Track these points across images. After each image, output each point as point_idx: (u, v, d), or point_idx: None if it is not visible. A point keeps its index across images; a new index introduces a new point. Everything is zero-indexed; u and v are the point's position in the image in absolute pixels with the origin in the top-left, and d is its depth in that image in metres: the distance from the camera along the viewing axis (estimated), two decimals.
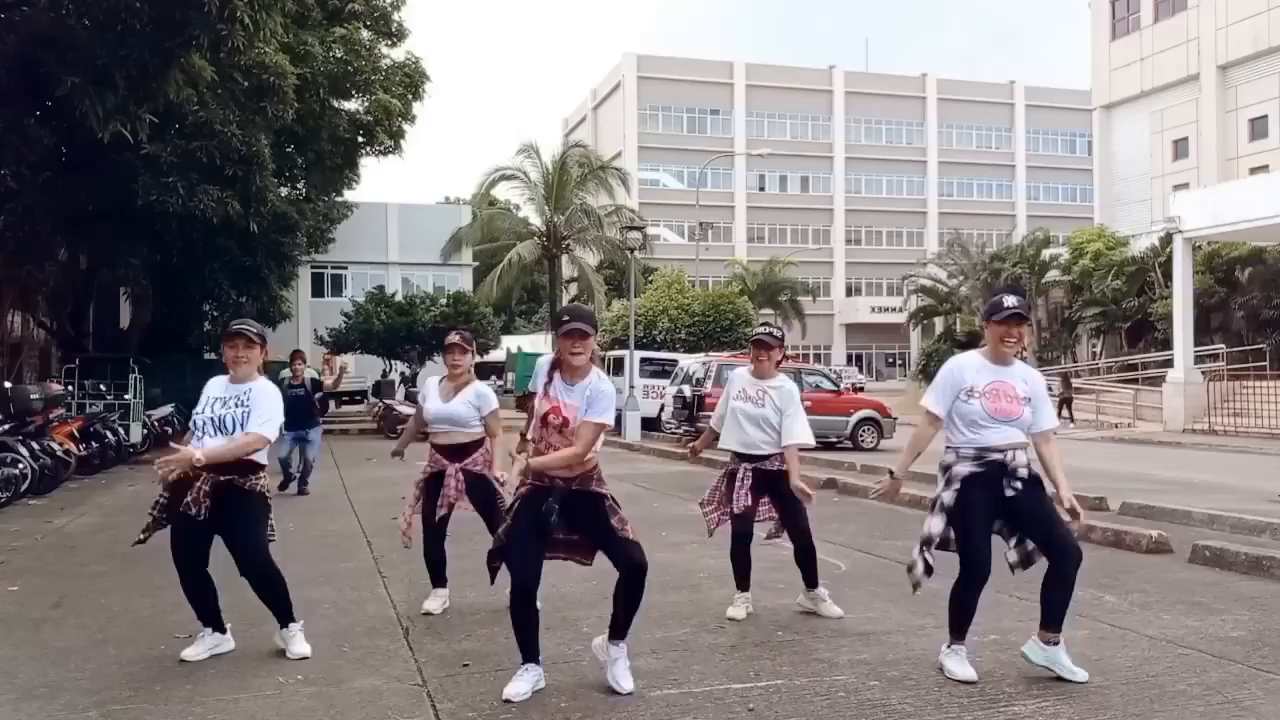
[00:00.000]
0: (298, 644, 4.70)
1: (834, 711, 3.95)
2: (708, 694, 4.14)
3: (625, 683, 4.16)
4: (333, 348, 28.92)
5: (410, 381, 27.88)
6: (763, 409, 5.38)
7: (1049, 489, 4.37)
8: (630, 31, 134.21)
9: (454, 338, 5.74)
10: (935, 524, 4.42)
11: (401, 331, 27.06)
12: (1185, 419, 23.19)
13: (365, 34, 21.55)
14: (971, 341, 42.62)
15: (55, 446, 11.60)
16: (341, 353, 29.51)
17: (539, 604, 4.14)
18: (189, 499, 4.47)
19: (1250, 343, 28.63)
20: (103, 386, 16.72)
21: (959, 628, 4.42)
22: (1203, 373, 24.96)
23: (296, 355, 11.98)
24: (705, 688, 4.21)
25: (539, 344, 35.00)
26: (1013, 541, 4.46)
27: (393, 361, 29.10)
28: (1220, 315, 30.07)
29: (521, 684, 4.08)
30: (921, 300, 47.03)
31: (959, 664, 4.36)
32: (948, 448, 4.49)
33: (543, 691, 4.17)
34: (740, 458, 5.42)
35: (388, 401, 23.55)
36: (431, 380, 5.83)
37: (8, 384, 13.03)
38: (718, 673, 4.39)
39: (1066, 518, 4.34)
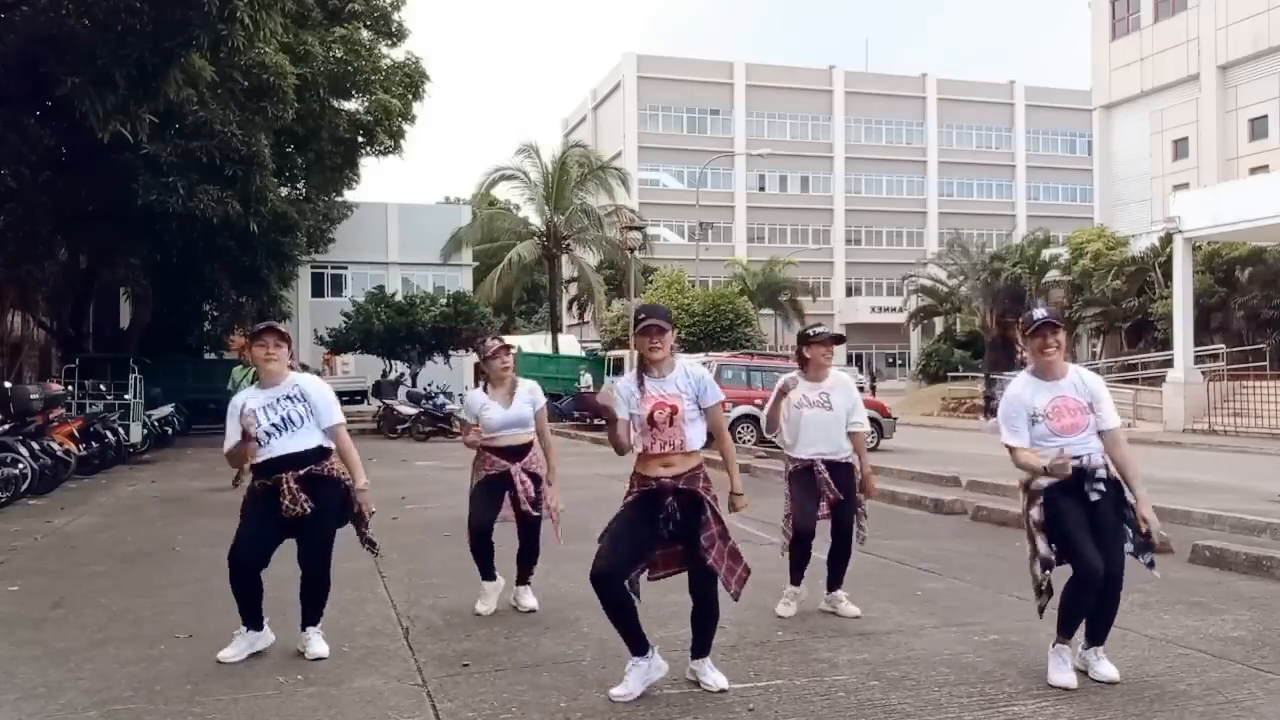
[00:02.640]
0: (317, 644, 4.71)
1: (834, 711, 3.95)
2: (708, 694, 4.14)
3: (719, 680, 4.18)
4: (332, 348, 28.95)
5: (411, 381, 27.87)
6: (832, 411, 5.41)
7: (1130, 499, 4.32)
8: (630, 31, 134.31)
9: (495, 343, 5.73)
10: (1042, 545, 4.33)
11: (401, 331, 27.04)
12: (1185, 419, 23.19)
13: (365, 34, 21.54)
14: (972, 341, 42.75)
15: (55, 446, 11.59)
16: (341, 352, 29.54)
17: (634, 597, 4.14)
18: (285, 502, 4.53)
19: (1250, 343, 28.64)
20: (103, 386, 16.73)
21: (1066, 628, 4.33)
22: (1203, 373, 24.96)
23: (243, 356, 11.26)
24: (705, 688, 4.20)
25: (539, 344, 34.97)
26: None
27: (393, 362, 29.09)
28: (1220, 315, 30.07)
29: (627, 684, 4.07)
30: (921, 300, 47.05)
31: (1057, 669, 4.29)
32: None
33: (543, 691, 4.17)
34: (807, 456, 5.43)
35: (388, 401, 23.54)
36: (474, 393, 5.82)
37: (8, 384, 13.03)
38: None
39: (1130, 547, 4.32)
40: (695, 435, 4.18)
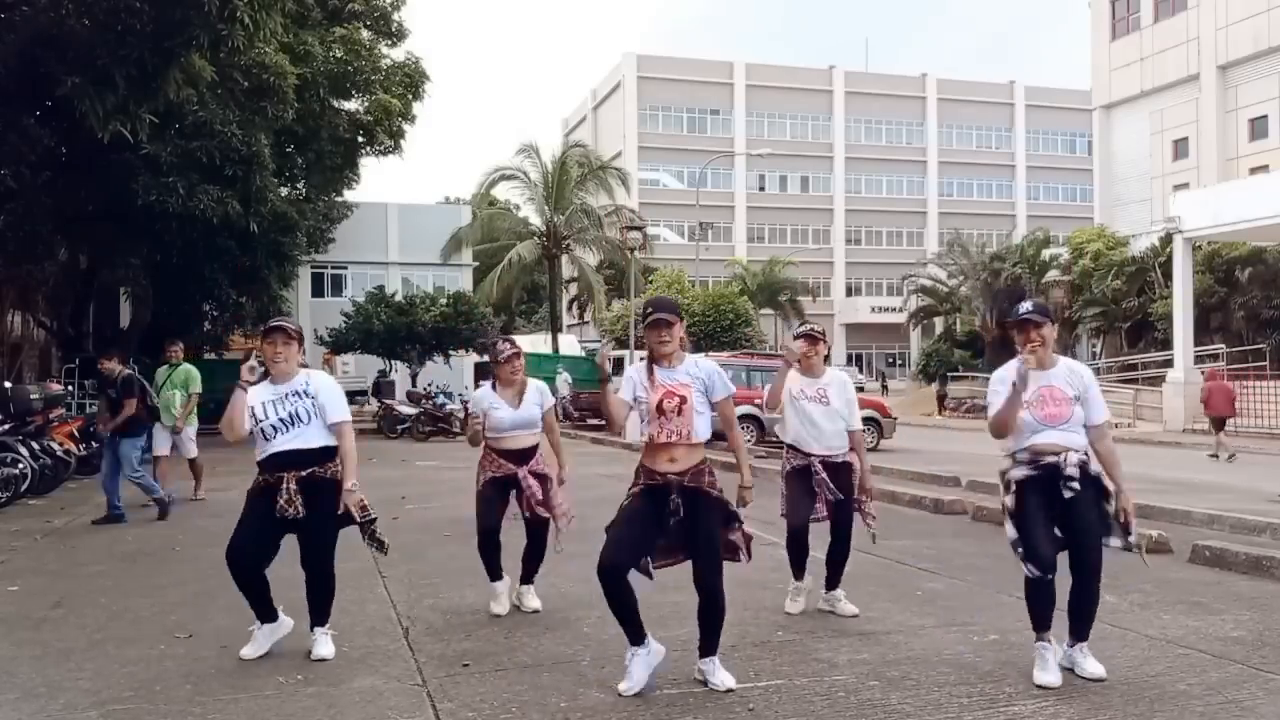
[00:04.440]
0: (323, 646, 4.70)
1: (834, 711, 3.95)
2: (708, 694, 4.14)
3: (726, 680, 4.19)
4: (332, 348, 28.94)
5: (412, 381, 27.87)
6: (829, 405, 5.43)
7: (1110, 489, 4.38)
8: (630, 31, 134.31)
9: (509, 348, 5.67)
10: (1010, 530, 4.42)
11: (401, 331, 27.05)
12: (1185, 419, 23.19)
13: (365, 34, 21.53)
14: (972, 341, 42.76)
15: (55, 446, 11.59)
16: (341, 352, 29.53)
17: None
18: (281, 502, 4.52)
19: (1250, 343, 28.66)
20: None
21: (1037, 623, 4.40)
22: (1203, 373, 24.96)
23: (104, 356, 10.08)
24: (705, 688, 4.20)
25: (539, 344, 34.98)
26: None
27: (393, 362, 29.10)
28: (1220, 315, 30.09)
29: (631, 677, 4.09)
30: (921, 300, 47.06)
31: (1041, 670, 4.31)
32: (1005, 454, 4.49)
33: (543, 691, 4.17)
34: (804, 454, 5.44)
35: (388, 401, 23.55)
36: (481, 392, 5.78)
37: (8, 384, 13.02)
38: None
39: (1117, 540, 4.36)
40: (702, 427, 4.20)
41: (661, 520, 4.13)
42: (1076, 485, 4.28)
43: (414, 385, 27.05)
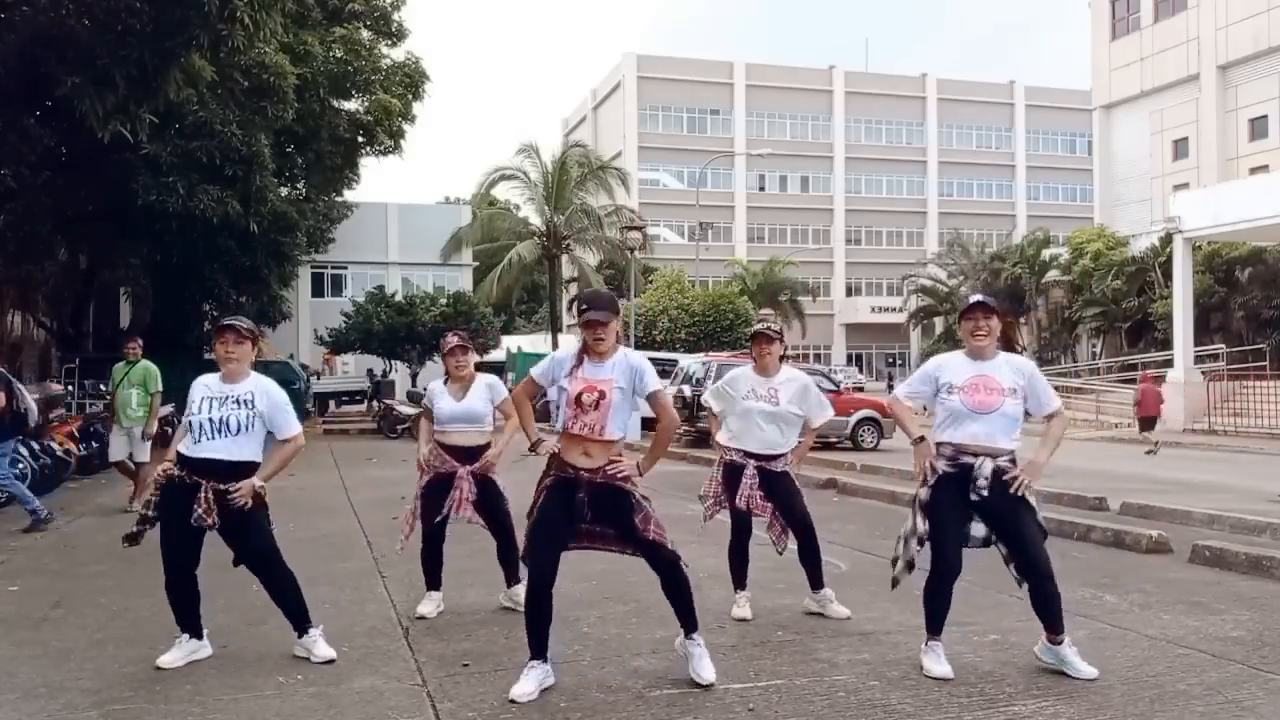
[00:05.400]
0: (320, 648, 4.64)
1: (834, 711, 3.95)
2: (708, 694, 4.14)
3: (706, 674, 4.19)
4: (332, 348, 28.96)
5: (411, 381, 27.87)
6: (778, 407, 5.37)
7: (1030, 494, 4.39)
8: (630, 31, 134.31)
9: (453, 340, 5.65)
10: (920, 523, 4.48)
11: (401, 331, 27.06)
12: (1185, 419, 23.18)
13: (365, 34, 21.56)
14: None
15: (55, 446, 11.58)
16: (341, 352, 29.56)
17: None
18: (199, 511, 4.40)
19: (1250, 343, 28.66)
20: (102, 386, 16.71)
21: (933, 624, 4.49)
22: (1203, 373, 24.97)
23: None
24: (705, 688, 4.20)
25: (539, 344, 34.96)
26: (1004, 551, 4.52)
27: (393, 362, 29.11)
28: (1220, 315, 30.09)
29: (528, 683, 4.06)
30: (921, 300, 47.08)
31: (934, 661, 4.41)
32: (935, 443, 4.52)
33: (543, 691, 4.16)
34: (747, 454, 5.38)
35: (388, 401, 23.55)
36: (435, 383, 5.74)
37: None
38: (718, 673, 4.37)
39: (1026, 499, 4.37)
40: (617, 424, 4.17)
41: (572, 512, 4.14)
42: (985, 490, 4.31)
43: (414, 385, 27.05)
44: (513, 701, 3.99)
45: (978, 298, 4.57)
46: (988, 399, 4.36)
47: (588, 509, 4.12)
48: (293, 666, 4.54)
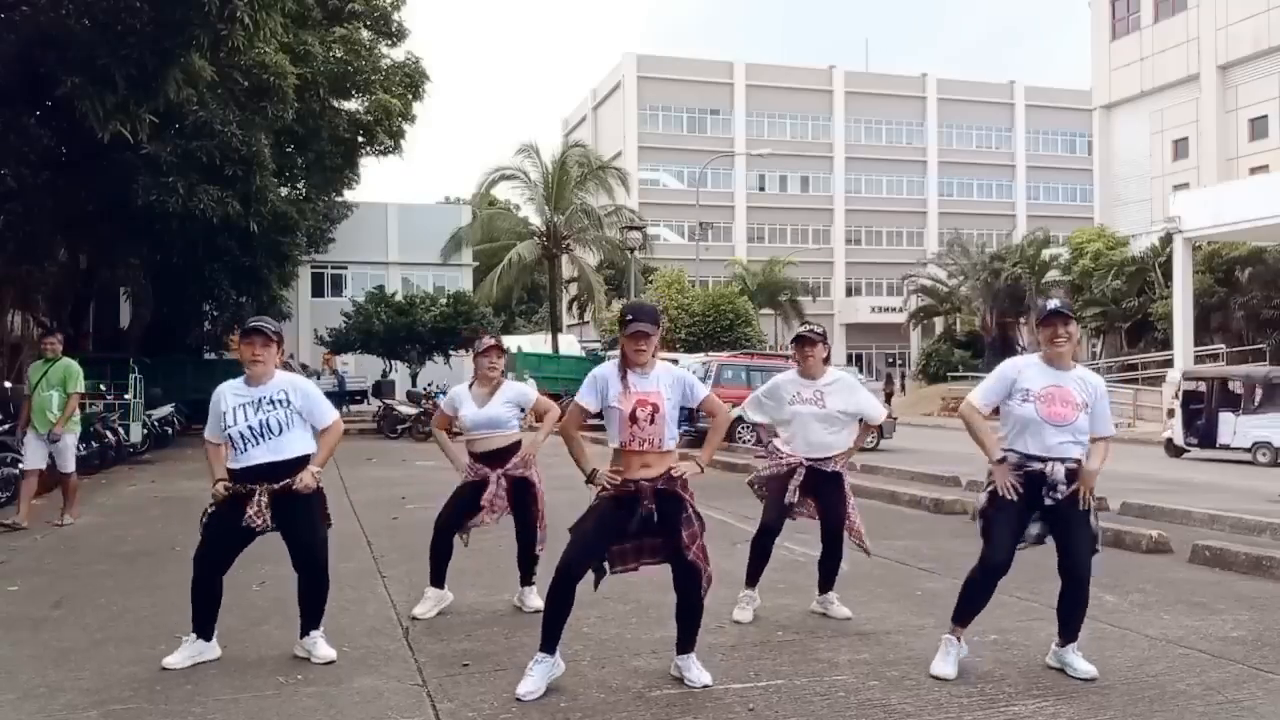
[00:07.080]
0: (321, 648, 4.65)
1: (834, 711, 3.95)
2: (708, 694, 4.14)
3: (703, 678, 4.20)
4: (332, 348, 28.95)
5: (412, 381, 27.85)
6: (826, 409, 5.36)
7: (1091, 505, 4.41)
8: (630, 31, 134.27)
9: (488, 340, 5.63)
10: (982, 498, 4.50)
11: (401, 331, 27.06)
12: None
13: (365, 34, 21.53)
14: (972, 341, 42.77)
15: None
16: (341, 352, 29.55)
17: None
18: (250, 513, 4.42)
19: (1250, 343, 28.68)
20: (102, 386, 16.72)
21: (961, 615, 4.45)
22: None
23: None
24: (704, 688, 4.20)
25: (539, 344, 34.98)
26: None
27: (393, 362, 29.10)
28: (1220, 315, 30.10)
29: (533, 680, 4.07)
30: (921, 300, 47.09)
31: (941, 659, 4.40)
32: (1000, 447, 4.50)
33: (543, 691, 4.16)
34: (804, 459, 5.38)
35: (388, 401, 23.55)
36: (459, 388, 5.71)
37: (8, 384, 13.02)
38: (718, 673, 4.38)
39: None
40: (671, 433, 4.21)
41: (625, 526, 4.13)
42: (1059, 495, 4.30)
43: (414, 385, 27.05)
44: (519, 700, 3.99)
45: (1055, 304, 4.46)
46: (1064, 411, 4.33)
47: (655, 515, 4.11)
48: (293, 666, 4.54)
